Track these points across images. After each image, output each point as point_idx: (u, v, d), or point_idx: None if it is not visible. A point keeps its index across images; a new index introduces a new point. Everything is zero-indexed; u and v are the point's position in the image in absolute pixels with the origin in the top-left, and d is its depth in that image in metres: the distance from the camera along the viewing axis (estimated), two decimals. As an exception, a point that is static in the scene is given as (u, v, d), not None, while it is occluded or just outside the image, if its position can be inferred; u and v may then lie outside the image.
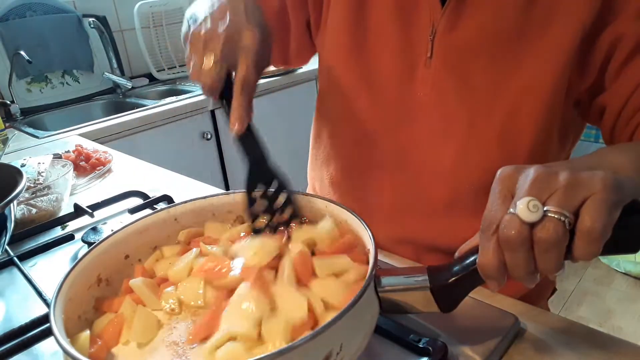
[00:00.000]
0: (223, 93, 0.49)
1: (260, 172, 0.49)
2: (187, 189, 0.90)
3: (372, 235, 0.43)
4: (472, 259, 0.39)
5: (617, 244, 0.36)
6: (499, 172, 0.39)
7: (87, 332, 0.42)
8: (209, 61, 0.48)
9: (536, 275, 0.37)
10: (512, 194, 0.37)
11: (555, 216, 0.34)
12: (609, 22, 0.54)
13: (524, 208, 0.34)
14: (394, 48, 0.64)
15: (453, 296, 0.41)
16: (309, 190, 0.90)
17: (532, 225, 0.34)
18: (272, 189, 0.50)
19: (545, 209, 0.34)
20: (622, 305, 1.93)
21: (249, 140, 0.48)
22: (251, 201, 0.50)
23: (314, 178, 0.84)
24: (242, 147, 0.49)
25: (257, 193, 0.50)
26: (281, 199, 0.50)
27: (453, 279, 0.40)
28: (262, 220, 0.50)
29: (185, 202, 0.56)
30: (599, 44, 0.55)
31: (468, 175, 0.64)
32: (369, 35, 0.66)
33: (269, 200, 0.50)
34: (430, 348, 0.43)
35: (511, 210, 0.35)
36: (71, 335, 0.41)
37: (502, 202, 0.37)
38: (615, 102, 0.56)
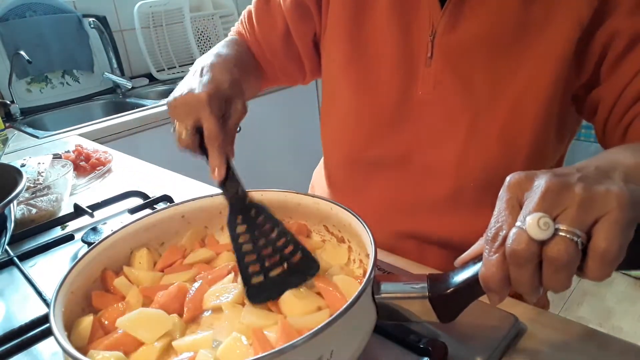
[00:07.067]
0: (201, 147, 0.54)
1: (242, 206, 0.51)
2: (187, 189, 0.90)
3: (373, 239, 0.43)
4: (474, 270, 0.38)
5: (632, 261, 0.34)
6: (507, 178, 0.37)
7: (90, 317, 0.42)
8: (178, 127, 0.54)
9: (540, 291, 0.35)
10: (520, 203, 0.35)
11: (567, 235, 0.32)
12: (605, 19, 0.54)
13: (534, 224, 0.32)
14: (393, 48, 0.65)
15: (452, 306, 0.40)
16: (310, 187, 0.90)
17: (541, 242, 0.33)
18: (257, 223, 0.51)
19: (556, 226, 0.32)
20: (622, 305, 1.93)
21: (229, 182, 0.52)
22: (235, 237, 0.50)
23: (316, 179, 0.84)
24: (223, 190, 0.52)
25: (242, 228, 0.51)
26: (267, 226, 0.50)
27: (453, 289, 0.39)
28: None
29: (192, 200, 0.56)
30: (595, 41, 0.56)
31: (470, 172, 0.64)
32: (369, 36, 0.66)
33: (253, 227, 0.50)
34: (430, 348, 0.43)
35: (519, 224, 0.33)
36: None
37: (510, 213, 0.35)
38: (608, 96, 0.57)
